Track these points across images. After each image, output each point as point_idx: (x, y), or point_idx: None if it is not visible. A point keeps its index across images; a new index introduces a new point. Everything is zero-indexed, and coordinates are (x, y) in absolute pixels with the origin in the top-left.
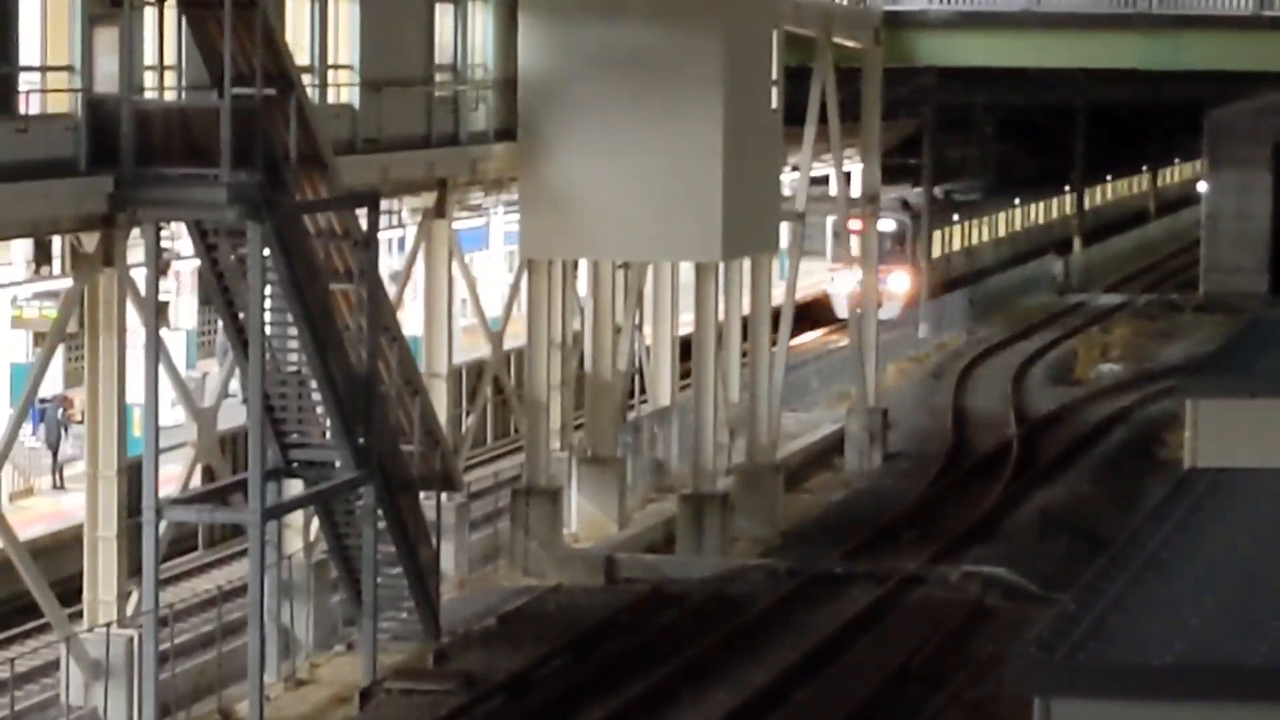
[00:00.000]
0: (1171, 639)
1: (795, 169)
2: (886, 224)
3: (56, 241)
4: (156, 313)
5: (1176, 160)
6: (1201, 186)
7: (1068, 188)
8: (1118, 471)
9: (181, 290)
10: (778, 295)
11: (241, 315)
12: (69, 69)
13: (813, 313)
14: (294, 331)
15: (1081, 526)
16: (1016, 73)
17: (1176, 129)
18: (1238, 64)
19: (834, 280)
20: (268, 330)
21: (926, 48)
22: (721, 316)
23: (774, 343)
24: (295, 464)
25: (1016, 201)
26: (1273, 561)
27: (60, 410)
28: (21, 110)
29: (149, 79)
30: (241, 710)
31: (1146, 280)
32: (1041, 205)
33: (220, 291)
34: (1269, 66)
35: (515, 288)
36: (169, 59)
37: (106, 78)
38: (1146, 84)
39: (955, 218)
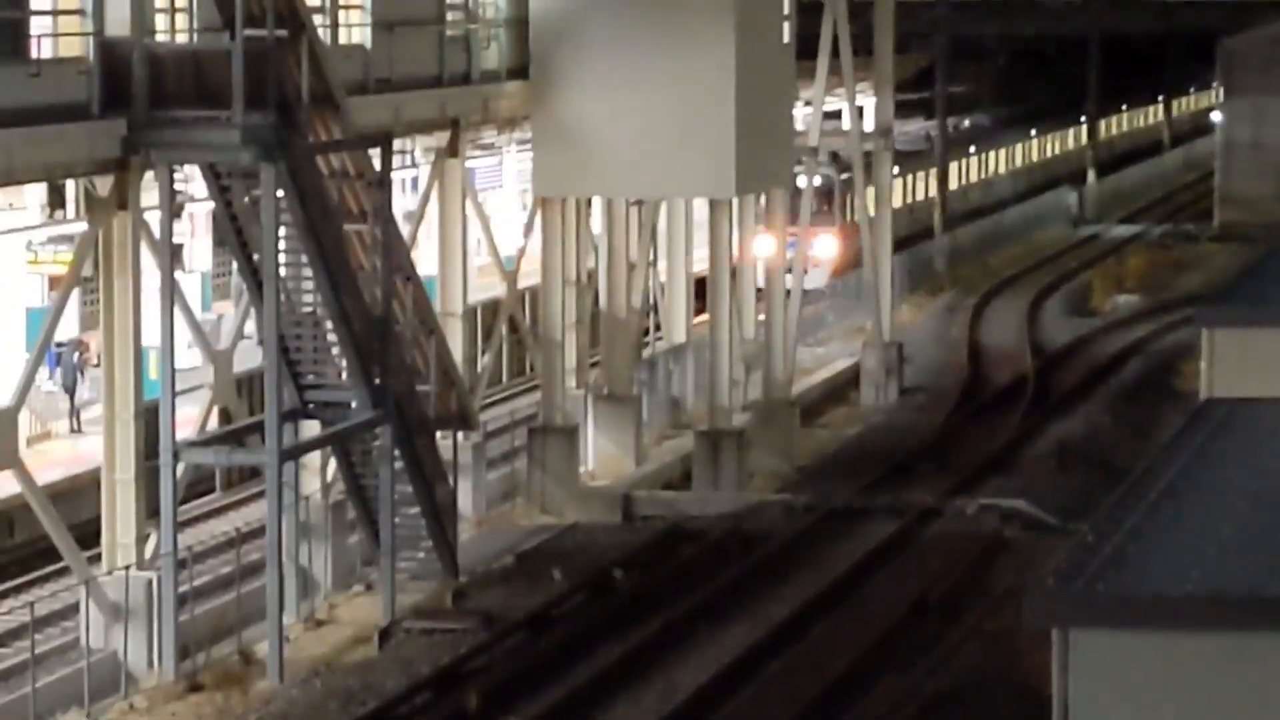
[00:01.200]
0: (1189, 569)
1: (808, 104)
2: (815, 179)
3: (70, 186)
4: (171, 256)
5: (1191, 90)
6: (1216, 116)
7: (1082, 119)
8: (1134, 402)
9: (196, 233)
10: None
11: (256, 257)
12: (80, 12)
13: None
14: (309, 273)
15: (1098, 458)
16: (1029, 3)
17: (1191, 58)
18: None
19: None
20: (283, 272)
21: None
22: (736, 252)
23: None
24: (311, 405)
25: (1032, 133)
26: None
27: (77, 354)
28: (33, 54)
29: (161, 21)
30: (261, 651)
31: (1162, 211)
32: (1055, 137)
33: (235, 234)
34: None
35: (529, 226)
36: (180, 1)
37: (118, 21)
38: (1160, 13)
39: (972, 149)
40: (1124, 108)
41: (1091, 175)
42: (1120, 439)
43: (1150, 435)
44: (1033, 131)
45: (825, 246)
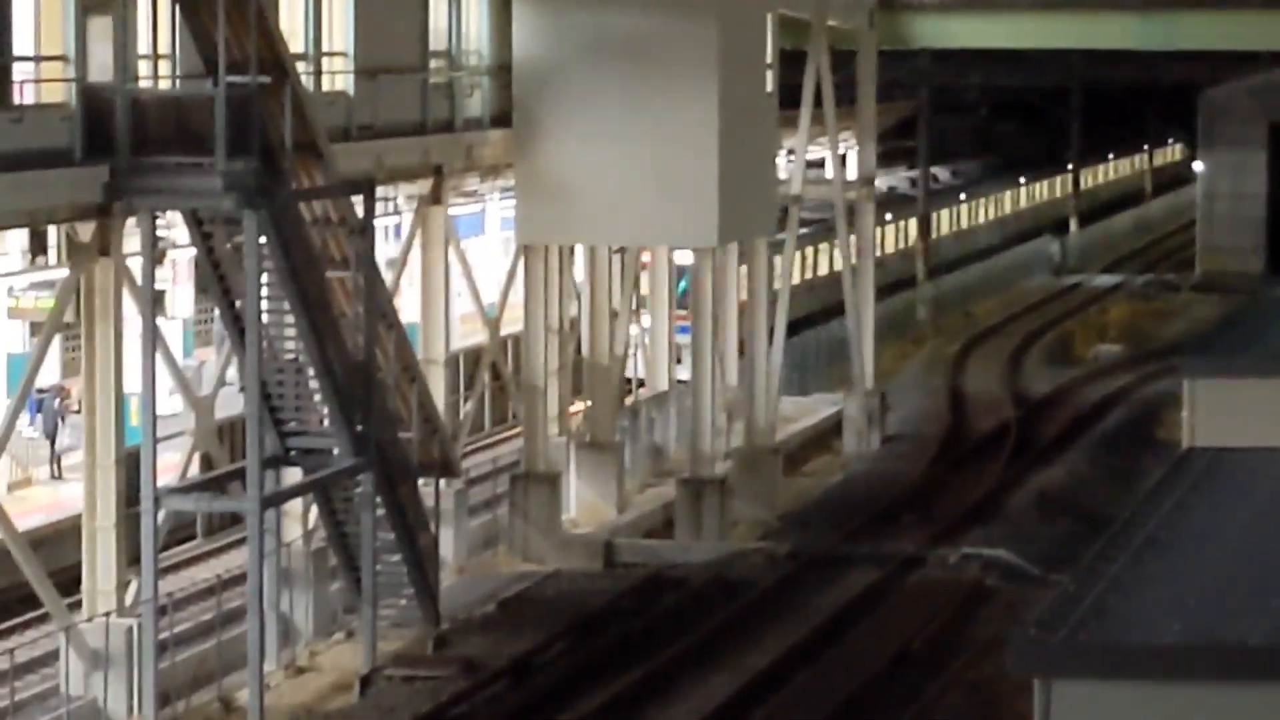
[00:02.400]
0: (1171, 619)
1: (791, 152)
2: (684, 256)
3: (52, 231)
4: (153, 302)
5: (1171, 141)
6: (1197, 166)
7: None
8: (1116, 452)
9: (178, 279)
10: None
11: (238, 304)
12: (63, 59)
13: None
14: (291, 319)
15: (1080, 507)
16: (1011, 54)
17: (1172, 109)
18: (1232, 43)
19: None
20: (265, 318)
21: (921, 30)
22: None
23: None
24: (293, 452)
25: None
26: (1271, 541)
27: (58, 400)
28: (16, 100)
29: (144, 68)
30: (241, 698)
31: (1143, 260)
32: (1038, 186)
33: (217, 280)
34: (1264, 46)
35: (512, 274)
36: (163, 48)
37: (101, 67)
38: (1141, 64)
39: (963, 197)
40: (1110, 157)
41: (1074, 224)
42: (1102, 488)
43: (1132, 484)
44: (1021, 179)
45: None
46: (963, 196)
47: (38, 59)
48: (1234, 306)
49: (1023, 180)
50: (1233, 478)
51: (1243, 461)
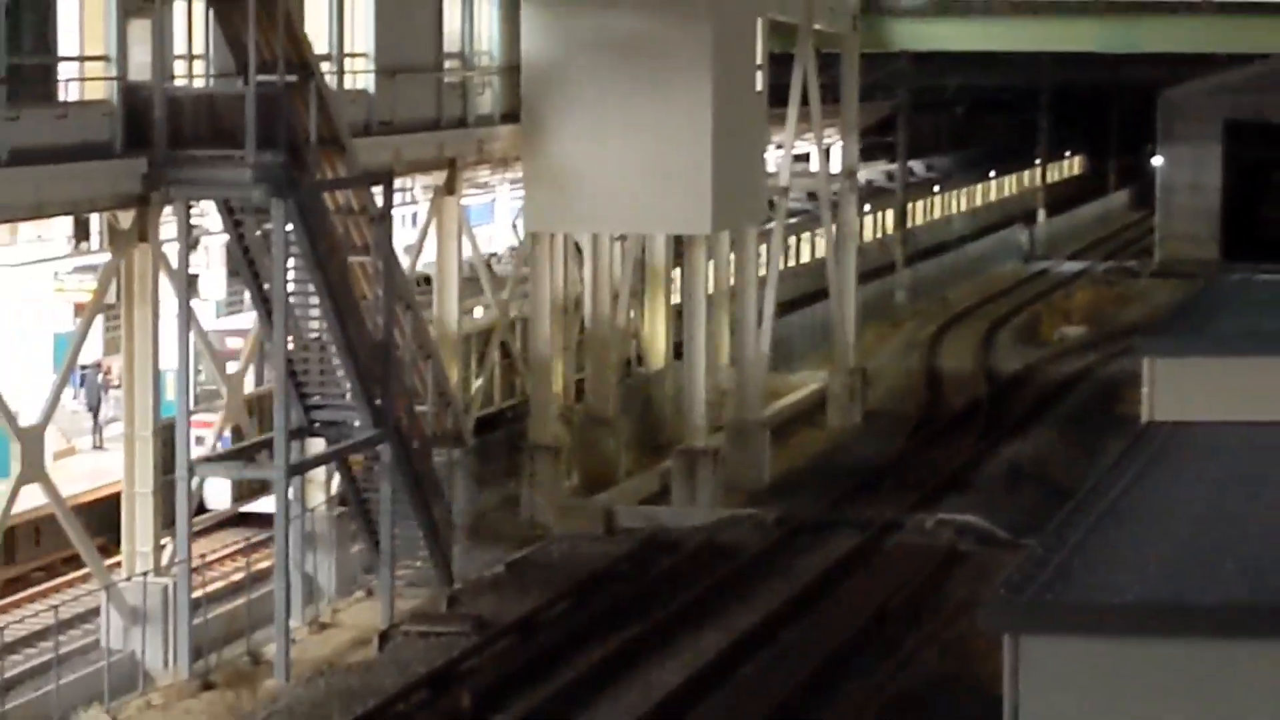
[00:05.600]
0: (1131, 581)
1: (779, 147)
2: None
3: (95, 219)
4: (188, 285)
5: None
6: (1156, 160)
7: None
8: (1080, 426)
9: (211, 263)
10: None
11: (266, 286)
12: (105, 59)
13: None
14: (315, 301)
15: (1047, 477)
16: (985, 57)
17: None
18: (1189, 46)
19: None
20: (291, 300)
21: (901, 34)
22: (711, 285)
23: (760, 309)
24: (317, 424)
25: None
26: (1224, 509)
27: (99, 375)
28: (61, 97)
29: (179, 67)
30: (269, 652)
31: (1106, 248)
32: (1008, 179)
33: (247, 264)
34: (1218, 48)
35: (520, 258)
36: (198, 49)
37: (140, 67)
38: (1106, 66)
39: (937, 189)
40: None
41: (1042, 215)
42: (1067, 459)
43: (1095, 456)
44: (992, 174)
45: None
46: (937, 189)
47: (81, 59)
48: (1190, 291)
49: (993, 174)
50: (1189, 450)
51: (1198, 435)
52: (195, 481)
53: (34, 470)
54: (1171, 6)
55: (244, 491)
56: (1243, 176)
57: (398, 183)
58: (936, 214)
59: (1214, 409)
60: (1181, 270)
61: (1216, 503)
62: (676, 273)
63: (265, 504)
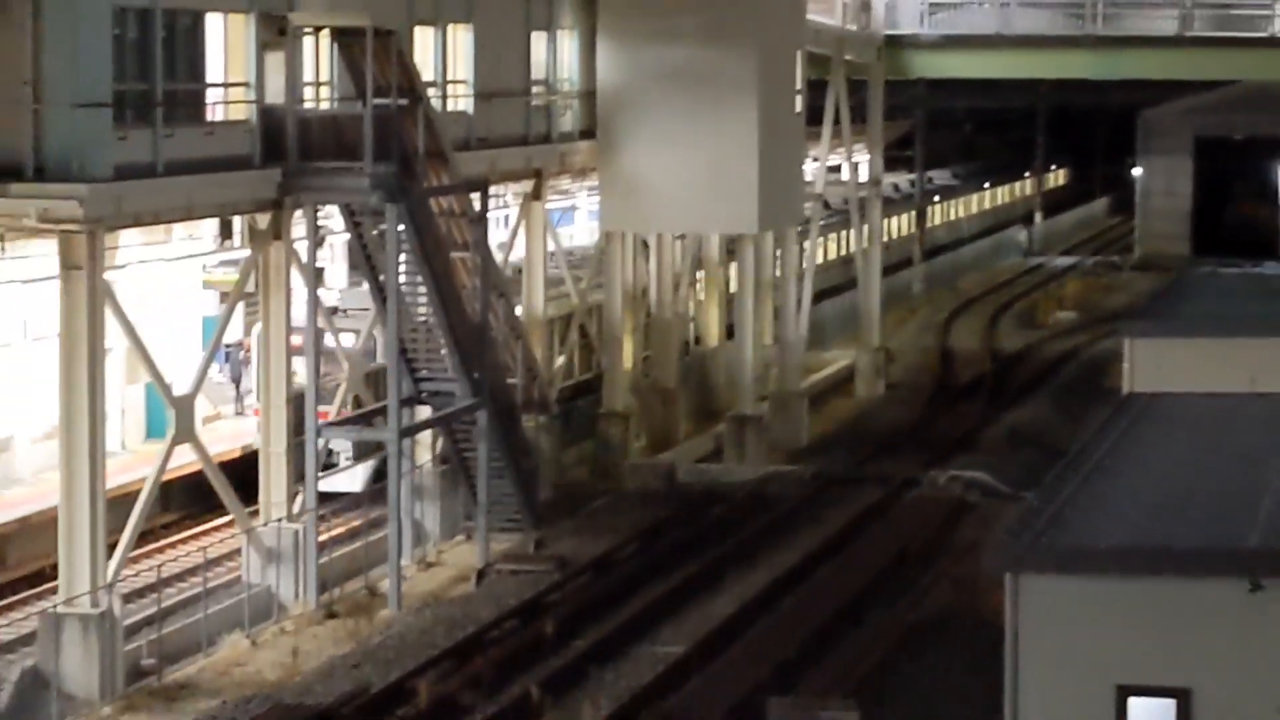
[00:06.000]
0: (1114, 527)
1: (815, 160)
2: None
3: (237, 221)
4: (315, 276)
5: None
6: (1136, 171)
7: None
8: (1071, 396)
9: (334, 259)
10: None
11: (382, 278)
12: (245, 85)
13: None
14: (423, 290)
15: (1043, 439)
16: (990, 83)
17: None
18: (1165, 74)
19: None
20: (402, 289)
21: (918, 63)
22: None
23: (799, 297)
24: (424, 394)
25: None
26: (1193, 465)
27: (240, 353)
28: (209, 118)
29: (308, 92)
30: (383, 587)
31: (1093, 245)
32: (1010, 187)
33: (365, 259)
34: (1190, 76)
35: (597, 253)
36: (324, 76)
37: (275, 91)
38: (1093, 90)
39: (936, 199)
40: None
41: (1039, 217)
42: (1059, 424)
43: (1084, 422)
44: (986, 184)
45: None
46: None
47: (226, 85)
48: (1166, 281)
49: (988, 185)
50: (1163, 417)
51: (1172, 403)
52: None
53: (186, 433)
54: (1150, 40)
55: (362, 451)
56: (1209, 184)
57: (492, 190)
58: (950, 216)
59: (1185, 382)
60: (1158, 264)
61: (1186, 461)
62: (729, 266)
63: (340, 483)
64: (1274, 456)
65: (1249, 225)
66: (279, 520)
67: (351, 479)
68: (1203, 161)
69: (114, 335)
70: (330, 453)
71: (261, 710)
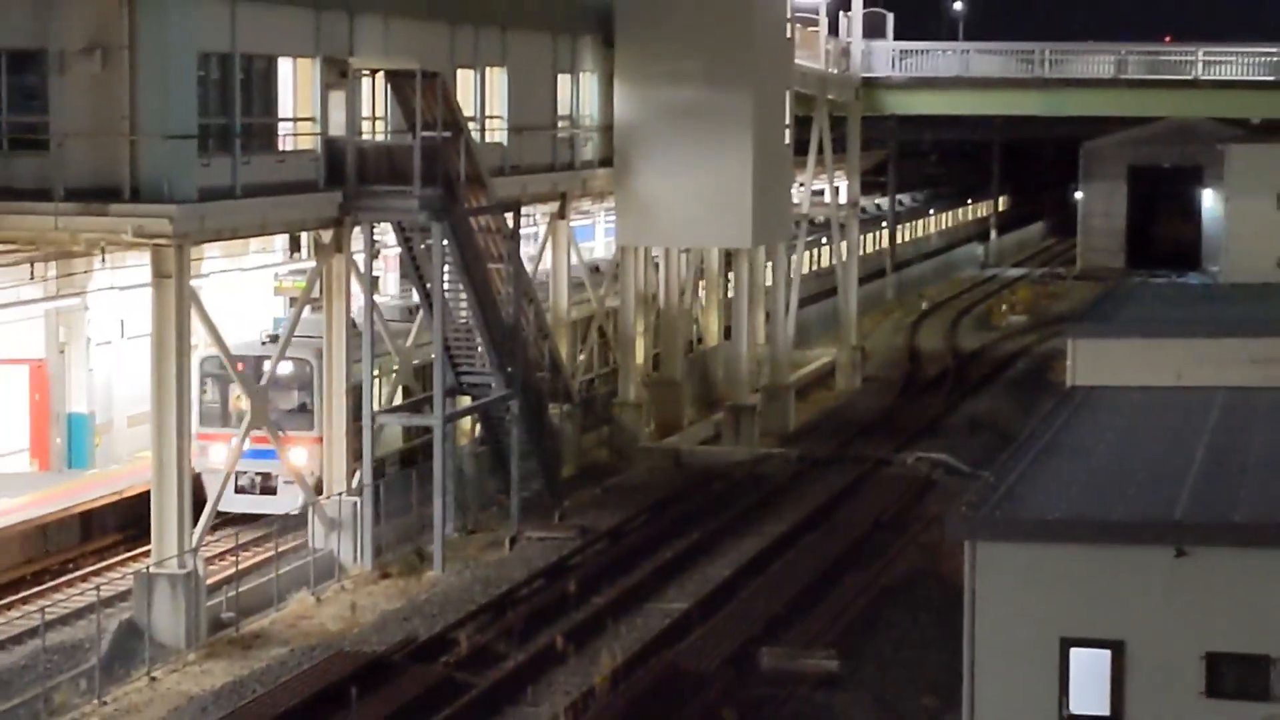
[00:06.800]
0: (1058, 501)
1: (801, 184)
2: (279, 365)
3: (304, 236)
4: (371, 284)
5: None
6: (1078, 195)
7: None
8: (1021, 389)
9: (388, 268)
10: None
11: (428, 285)
12: (311, 119)
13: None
14: (464, 296)
15: (997, 425)
16: (952, 118)
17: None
18: (1104, 111)
19: (205, 454)
20: (446, 295)
21: (890, 101)
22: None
23: (787, 302)
24: (465, 385)
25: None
26: (1127, 448)
27: None
28: (280, 148)
29: (365, 126)
30: (429, 550)
31: (1041, 259)
32: (969, 208)
33: (414, 269)
34: (1125, 113)
35: (613, 264)
36: (379, 112)
37: (337, 125)
38: (1042, 125)
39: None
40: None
41: (994, 234)
42: (1012, 413)
43: (1032, 411)
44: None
45: (300, 459)
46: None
47: (295, 119)
48: (1103, 290)
49: (950, 207)
50: (1101, 406)
51: (1108, 395)
52: (377, 426)
53: (260, 418)
54: (1090, 82)
55: (413, 435)
56: (1141, 206)
57: (523, 210)
58: (917, 234)
59: (1120, 377)
60: (1097, 275)
61: (1120, 445)
62: (727, 275)
63: (271, 505)
64: (1196, 441)
65: (1174, 242)
66: (340, 494)
67: (287, 500)
68: (1136, 186)
69: (198, 334)
70: (266, 476)
71: (325, 657)
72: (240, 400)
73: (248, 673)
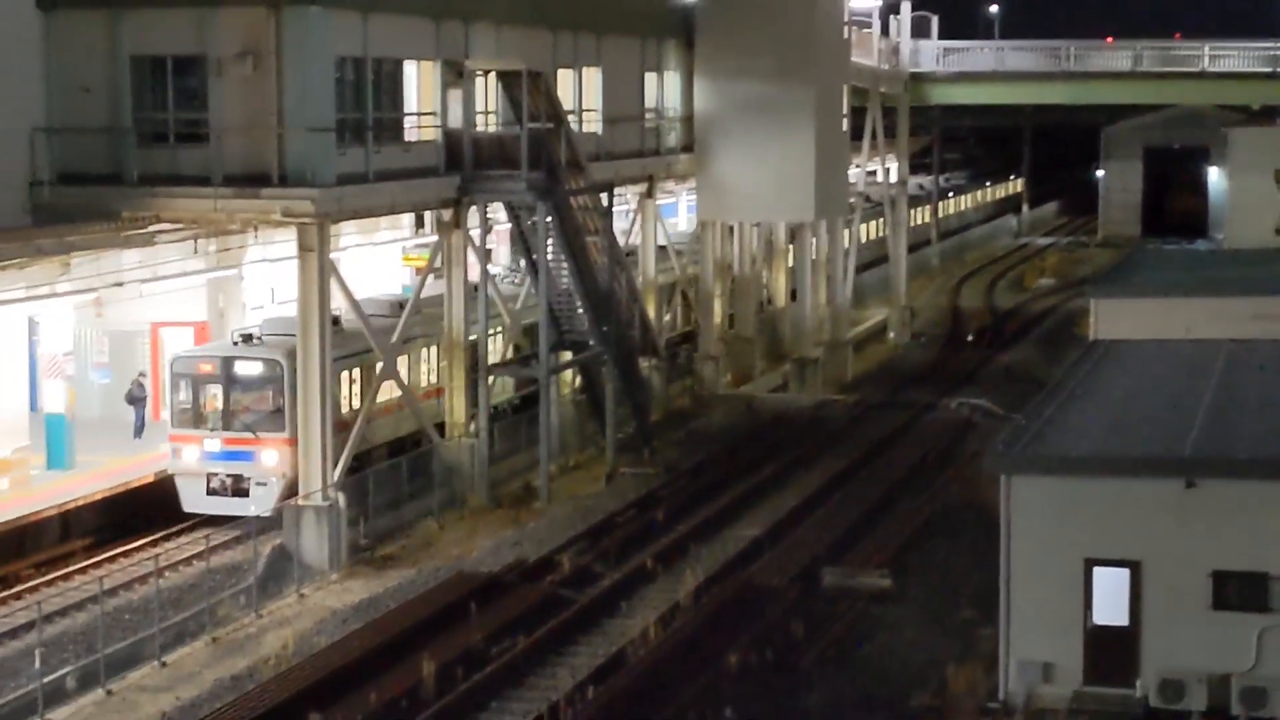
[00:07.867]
0: (1083, 440)
1: (857, 166)
2: (250, 366)
3: (428, 215)
4: (485, 256)
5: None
6: (1099, 173)
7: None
8: (1050, 342)
9: (500, 242)
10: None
11: (535, 256)
12: (433, 113)
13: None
14: (565, 265)
15: (1029, 374)
16: (988, 107)
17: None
18: (1121, 100)
19: (178, 456)
20: (550, 264)
21: (935, 93)
22: (815, 253)
23: (845, 269)
24: (566, 342)
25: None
26: (1142, 393)
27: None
28: (407, 139)
29: (480, 119)
30: (535, 482)
31: (1067, 228)
32: (1003, 186)
33: (522, 242)
34: (1141, 100)
35: (694, 237)
36: (491, 107)
37: (455, 118)
38: (1066, 113)
39: (949, 195)
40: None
41: (1025, 207)
42: (1041, 363)
43: (1059, 361)
44: (988, 184)
45: (271, 462)
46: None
47: (419, 114)
48: (1121, 256)
49: (988, 184)
50: (1120, 357)
51: (1127, 348)
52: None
53: (389, 373)
54: (1109, 75)
55: (521, 385)
56: (1155, 182)
57: (617, 191)
58: (959, 208)
59: (1137, 331)
60: (1116, 243)
61: (1137, 391)
62: (793, 246)
63: (242, 507)
64: (1204, 387)
65: (1184, 213)
66: (459, 437)
67: (260, 502)
68: (1150, 165)
69: (338, 299)
70: (238, 478)
71: (447, 576)
72: (214, 400)
73: (382, 590)
